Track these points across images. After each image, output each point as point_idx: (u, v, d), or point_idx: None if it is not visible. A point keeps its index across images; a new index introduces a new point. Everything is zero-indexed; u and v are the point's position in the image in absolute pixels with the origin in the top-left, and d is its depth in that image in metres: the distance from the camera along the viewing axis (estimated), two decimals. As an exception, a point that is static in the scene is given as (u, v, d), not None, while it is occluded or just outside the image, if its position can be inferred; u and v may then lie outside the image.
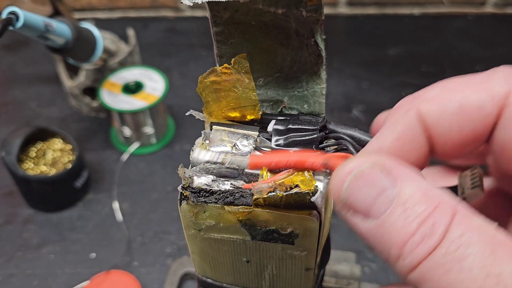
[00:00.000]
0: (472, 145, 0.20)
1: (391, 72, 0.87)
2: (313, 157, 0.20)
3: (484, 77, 0.19)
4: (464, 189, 0.24)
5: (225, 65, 0.24)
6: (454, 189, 0.25)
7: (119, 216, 0.66)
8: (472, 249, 0.16)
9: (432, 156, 0.21)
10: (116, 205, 0.67)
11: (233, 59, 0.24)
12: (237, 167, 0.21)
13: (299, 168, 0.20)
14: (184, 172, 0.23)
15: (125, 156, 0.73)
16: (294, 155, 0.20)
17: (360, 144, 0.23)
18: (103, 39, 0.69)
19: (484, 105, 0.19)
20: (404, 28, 0.98)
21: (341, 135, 0.24)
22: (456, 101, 0.19)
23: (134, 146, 0.74)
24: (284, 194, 0.22)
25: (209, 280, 0.29)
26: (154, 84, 0.72)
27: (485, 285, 0.15)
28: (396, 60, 0.90)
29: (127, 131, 0.73)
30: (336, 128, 0.24)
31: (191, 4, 0.21)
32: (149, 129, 0.73)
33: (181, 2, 0.21)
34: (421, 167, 0.21)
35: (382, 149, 0.20)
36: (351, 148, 0.23)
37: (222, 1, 0.22)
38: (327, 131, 0.24)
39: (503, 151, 0.19)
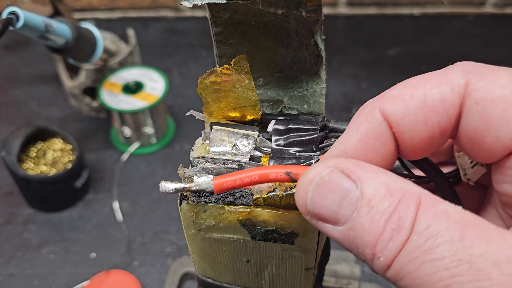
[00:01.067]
0: (439, 139, 0.20)
1: (391, 72, 0.87)
2: (276, 169, 0.20)
3: (443, 71, 0.20)
4: (465, 169, 0.24)
5: (225, 65, 0.24)
6: (455, 172, 0.25)
7: (119, 216, 0.66)
8: (441, 238, 0.16)
9: (402, 156, 0.21)
10: (116, 205, 0.67)
11: (233, 60, 0.24)
12: (204, 189, 0.21)
13: (267, 182, 0.20)
14: (184, 172, 0.23)
15: (125, 156, 0.73)
16: (256, 170, 0.20)
17: None
18: (103, 39, 0.69)
19: (445, 97, 0.19)
20: (404, 28, 0.98)
21: (341, 134, 0.24)
22: (418, 96, 0.19)
23: (134, 146, 0.74)
24: (284, 194, 0.22)
25: (209, 280, 0.30)
26: (154, 84, 0.72)
27: (458, 272, 0.15)
28: (396, 60, 0.90)
29: (127, 131, 0.73)
30: (337, 126, 0.24)
31: (191, 6, 0.21)
32: (149, 129, 0.73)
33: (181, 4, 0.21)
34: (388, 165, 0.21)
35: (346, 150, 0.20)
36: None
37: (221, 2, 0.22)
38: (328, 131, 0.24)
39: (470, 141, 0.19)
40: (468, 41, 0.94)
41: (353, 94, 0.84)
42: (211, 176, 0.21)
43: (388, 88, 0.20)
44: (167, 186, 0.21)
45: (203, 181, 0.21)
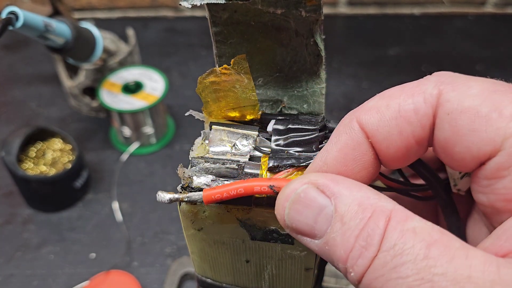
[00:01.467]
0: (416, 148, 0.20)
1: (391, 72, 0.87)
2: (260, 182, 0.21)
3: (418, 82, 0.20)
4: (455, 179, 0.25)
5: (225, 65, 0.24)
6: (446, 181, 0.25)
7: (119, 216, 0.66)
8: (405, 257, 0.16)
9: (383, 165, 0.22)
10: (116, 205, 0.67)
11: (232, 60, 0.24)
12: (196, 200, 0.22)
13: (252, 194, 0.21)
14: (184, 172, 0.23)
15: (125, 156, 0.73)
16: (241, 183, 0.21)
17: None
18: (103, 39, 0.69)
19: (418, 108, 0.19)
20: (404, 28, 0.98)
21: None
22: (392, 107, 0.20)
23: (134, 146, 0.74)
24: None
25: (208, 280, 0.29)
26: (154, 84, 0.72)
27: None
28: (396, 60, 0.90)
29: (127, 131, 0.73)
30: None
31: (190, 6, 0.21)
32: (149, 129, 0.73)
33: (180, 4, 0.21)
34: (370, 174, 0.21)
35: (327, 162, 0.21)
36: None
37: (220, 3, 0.22)
38: (328, 131, 0.24)
39: (443, 150, 0.20)
40: (468, 41, 0.94)
41: (353, 94, 0.84)
42: (201, 190, 0.22)
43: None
44: (163, 196, 0.22)
45: (194, 193, 0.22)
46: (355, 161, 0.20)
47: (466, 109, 0.18)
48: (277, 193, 0.20)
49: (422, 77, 0.21)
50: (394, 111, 0.20)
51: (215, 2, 0.21)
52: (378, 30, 0.98)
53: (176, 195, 0.22)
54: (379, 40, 0.96)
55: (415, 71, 0.86)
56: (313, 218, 0.19)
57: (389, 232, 0.17)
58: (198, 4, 0.21)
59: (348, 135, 0.20)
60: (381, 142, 0.20)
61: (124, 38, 0.81)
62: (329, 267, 0.54)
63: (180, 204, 0.24)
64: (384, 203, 0.18)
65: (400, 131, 0.20)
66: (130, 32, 0.80)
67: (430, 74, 0.21)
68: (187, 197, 0.22)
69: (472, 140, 0.18)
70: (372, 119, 0.20)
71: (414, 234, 0.17)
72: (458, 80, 0.19)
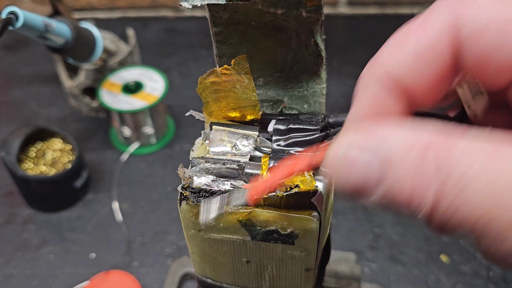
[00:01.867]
0: (448, 78, 0.20)
1: (391, 72, 0.87)
2: (299, 165, 0.20)
3: (429, 11, 0.19)
4: (468, 102, 0.24)
5: (225, 66, 0.24)
6: (462, 110, 0.25)
7: (119, 216, 0.66)
8: (469, 176, 0.16)
9: (418, 106, 0.21)
10: (116, 205, 0.67)
11: (233, 60, 0.24)
12: (239, 204, 0.21)
13: (292, 176, 0.21)
14: (184, 172, 0.23)
15: (125, 156, 0.73)
16: (281, 171, 0.20)
17: None
18: (103, 39, 0.69)
19: (439, 39, 0.18)
20: (404, 28, 0.98)
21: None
22: (411, 45, 0.19)
23: (134, 146, 0.74)
24: (284, 194, 0.22)
25: (209, 281, 0.29)
26: (154, 84, 0.72)
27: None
28: (396, 60, 0.90)
29: (127, 131, 0.73)
30: (336, 119, 0.24)
31: (190, 7, 0.21)
32: (149, 129, 0.73)
33: (180, 5, 0.21)
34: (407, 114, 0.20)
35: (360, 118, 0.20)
36: None
37: (221, 3, 0.22)
38: (329, 130, 0.24)
39: (475, 72, 0.19)
40: (468, 41, 0.94)
41: (353, 94, 0.83)
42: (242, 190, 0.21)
43: None
44: (208, 216, 0.22)
45: (237, 200, 0.21)
46: (390, 109, 0.20)
47: (485, 26, 0.17)
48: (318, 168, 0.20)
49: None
50: (413, 50, 0.19)
51: (215, 2, 0.21)
52: (378, 30, 0.98)
53: (220, 211, 0.22)
54: (379, 40, 0.95)
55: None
56: (363, 173, 0.18)
57: (443, 160, 0.16)
58: (199, 4, 0.21)
59: (376, 88, 0.20)
60: (411, 83, 0.19)
61: (124, 38, 0.81)
62: (329, 267, 0.54)
63: (181, 202, 0.24)
64: (426, 133, 0.17)
65: (427, 68, 0.19)
66: (130, 32, 0.80)
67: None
68: (232, 206, 0.22)
69: (501, 56, 0.17)
70: (396, 64, 0.19)
71: (470, 153, 0.16)
72: None
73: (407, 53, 0.19)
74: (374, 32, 0.98)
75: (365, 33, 0.98)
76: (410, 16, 0.20)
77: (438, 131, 0.17)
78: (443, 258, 0.60)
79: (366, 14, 1.02)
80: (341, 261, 0.55)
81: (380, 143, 0.17)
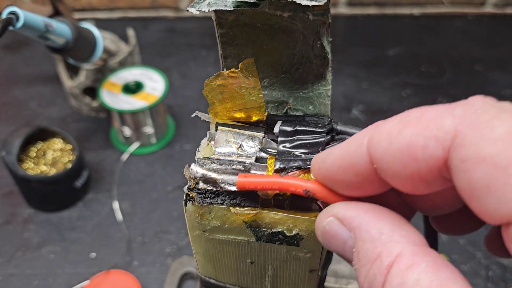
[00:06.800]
0: (424, 186, 0.18)
1: (390, 72, 0.87)
2: (296, 182, 0.21)
3: (442, 110, 0.17)
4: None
5: (233, 69, 0.24)
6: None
7: (119, 216, 0.66)
8: None
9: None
10: (116, 205, 0.67)
11: (240, 64, 0.24)
12: (228, 183, 0.22)
13: (284, 192, 0.22)
14: (190, 173, 0.23)
15: (125, 156, 0.73)
16: (276, 178, 0.21)
17: None
18: (103, 39, 0.69)
19: (428, 145, 0.17)
20: (404, 28, 0.98)
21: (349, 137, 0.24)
22: (403, 136, 0.17)
23: (134, 146, 0.74)
24: (290, 195, 0.22)
25: (212, 281, 0.29)
26: (154, 84, 0.72)
27: None
28: (396, 60, 0.90)
29: (127, 131, 0.73)
30: (345, 129, 0.24)
31: (197, 13, 0.21)
32: (149, 129, 0.73)
33: (187, 10, 0.21)
34: (372, 188, 0.20)
35: (327, 158, 0.20)
36: None
37: (228, 10, 0.22)
38: (335, 134, 0.24)
39: (463, 198, 0.17)
40: (468, 41, 0.95)
41: (353, 94, 0.84)
42: (236, 174, 0.22)
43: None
44: (196, 170, 0.22)
45: (228, 177, 0.22)
46: (353, 173, 0.20)
47: (482, 159, 0.15)
48: (311, 198, 0.21)
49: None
50: (403, 143, 0.17)
51: (222, 9, 0.21)
52: (378, 30, 0.99)
53: (210, 173, 0.22)
54: (379, 40, 0.96)
55: (414, 71, 0.86)
56: (341, 248, 0.20)
57: (389, 280, 0.17)
58: (206, 10, 0.21)
59: (356, 150, 0.19)
60: (386, 170, 0.18)
61: (124, 38, 0.81)
62: (329, 267, 0.54)
63: (187, 202, 0.24)
64: (395, 242, 0.17)
65: (404, 166, 0.17)
66: (131, 32, 0.80)
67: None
68: (221, 179, 0.22)
69: (489, 198, 0.15)
70: (380, 147, 0.18)
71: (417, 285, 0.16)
72: (482, 117, 0.16)
73: (394, 144, 0.18)
74: (374, 32, 0.98)
75: (364, 33, 0.98)
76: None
77: (397, 245, 0.18)
78: (442, 257, 0.60)
79: (365, 14, 1.02)
80: (341, 260, 0.55)
81: (359, 229, 0.19)
